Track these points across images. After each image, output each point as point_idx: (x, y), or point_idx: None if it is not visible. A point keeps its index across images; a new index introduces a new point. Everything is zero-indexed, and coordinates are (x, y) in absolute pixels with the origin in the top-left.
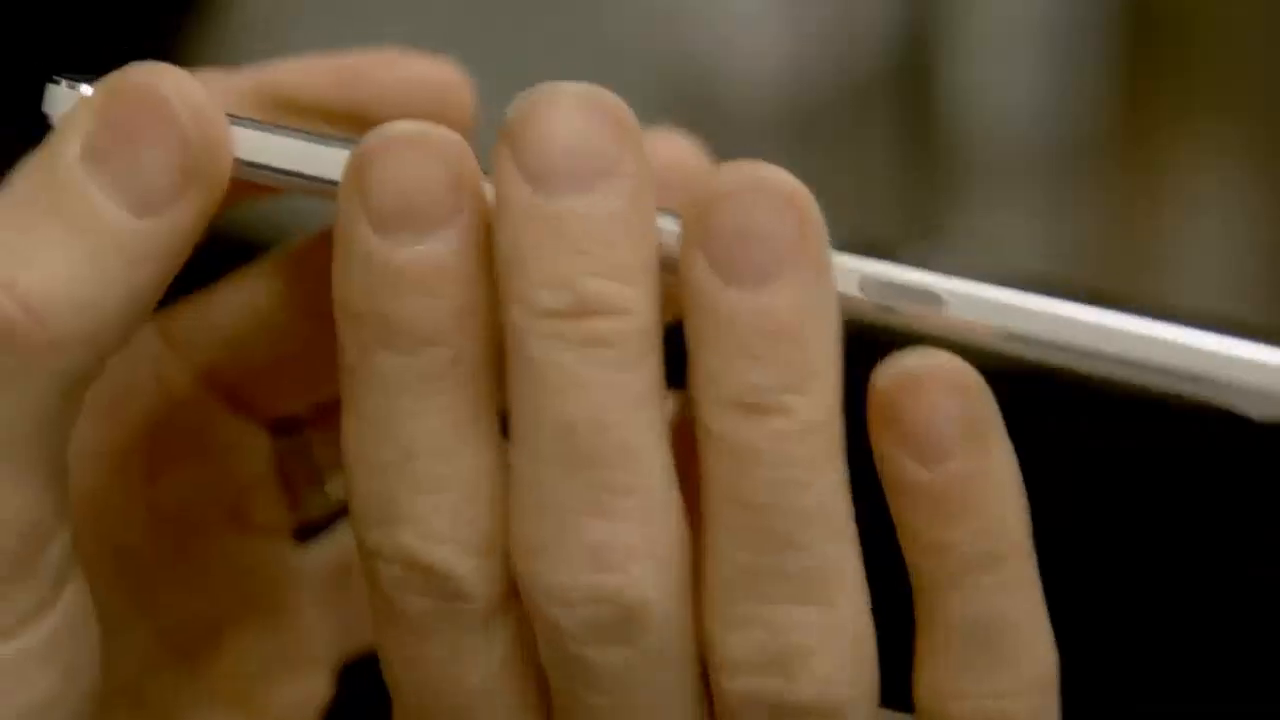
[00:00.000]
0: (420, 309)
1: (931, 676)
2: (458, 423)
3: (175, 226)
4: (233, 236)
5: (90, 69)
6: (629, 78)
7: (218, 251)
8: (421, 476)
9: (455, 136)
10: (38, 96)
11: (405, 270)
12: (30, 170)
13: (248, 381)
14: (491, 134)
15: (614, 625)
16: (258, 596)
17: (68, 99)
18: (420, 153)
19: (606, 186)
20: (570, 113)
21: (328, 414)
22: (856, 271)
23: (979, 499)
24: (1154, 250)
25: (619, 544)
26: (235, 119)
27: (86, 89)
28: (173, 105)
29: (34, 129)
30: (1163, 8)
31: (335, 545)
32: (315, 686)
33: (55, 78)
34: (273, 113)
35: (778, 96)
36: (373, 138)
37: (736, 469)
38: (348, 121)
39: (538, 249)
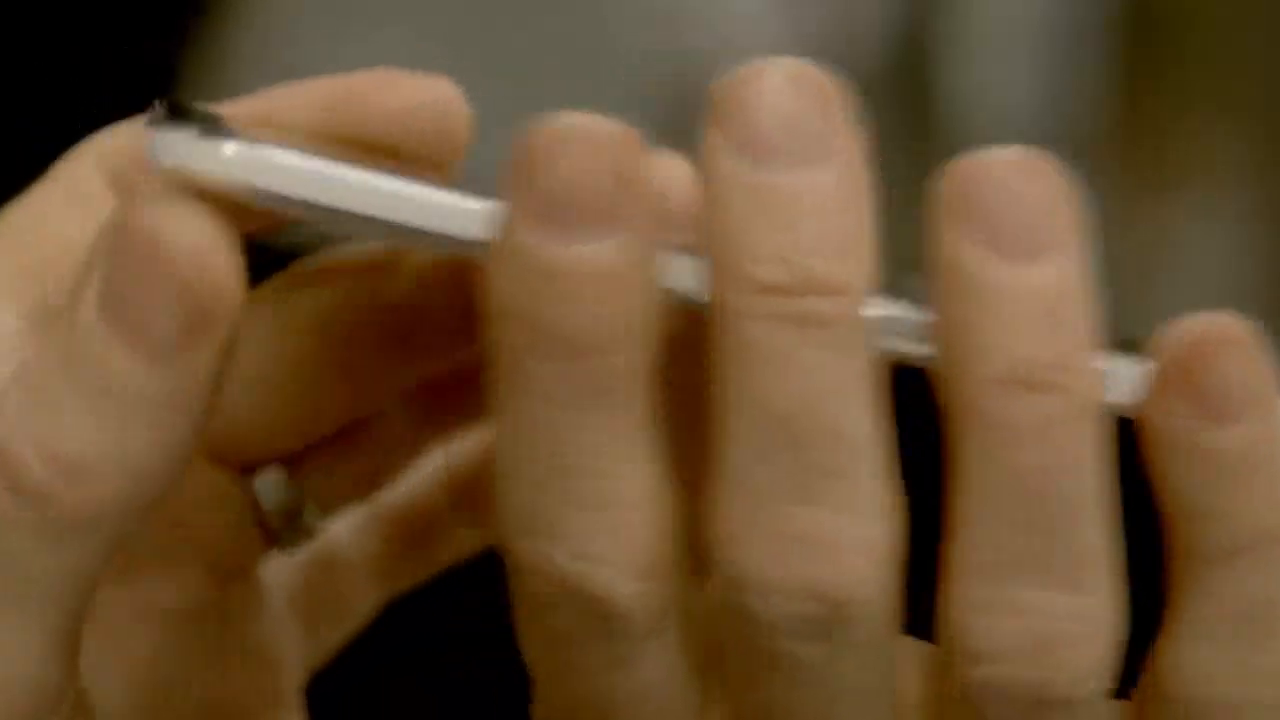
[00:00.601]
0: (586, 314)
1: (1185, 654)
2: (620, 438)
3: (191, 372)
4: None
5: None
6: (628, 78)
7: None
8: (579, 493)
9: (624, 130)
10: (37, 103)
11: (571, 272)
12: (55, 329)
13: (229, 434)
14: (493, 135)
15: (820, 620)
16: (233, 641)
17: (175, 144)
18: (591, 147)
19: (824, 161)
20: (784, 87)
21: (307, 448)
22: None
23: (1268, 466)
24: (1154, 249)
25: (831, 535)
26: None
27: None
28: (173, 251)
29: (34, 131)
30: (1163, 7)
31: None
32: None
33: (156, 122)
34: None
35: None
36: (540, 131)
37: (1004, 448)
38: (344, 146)
39: (753, 224)
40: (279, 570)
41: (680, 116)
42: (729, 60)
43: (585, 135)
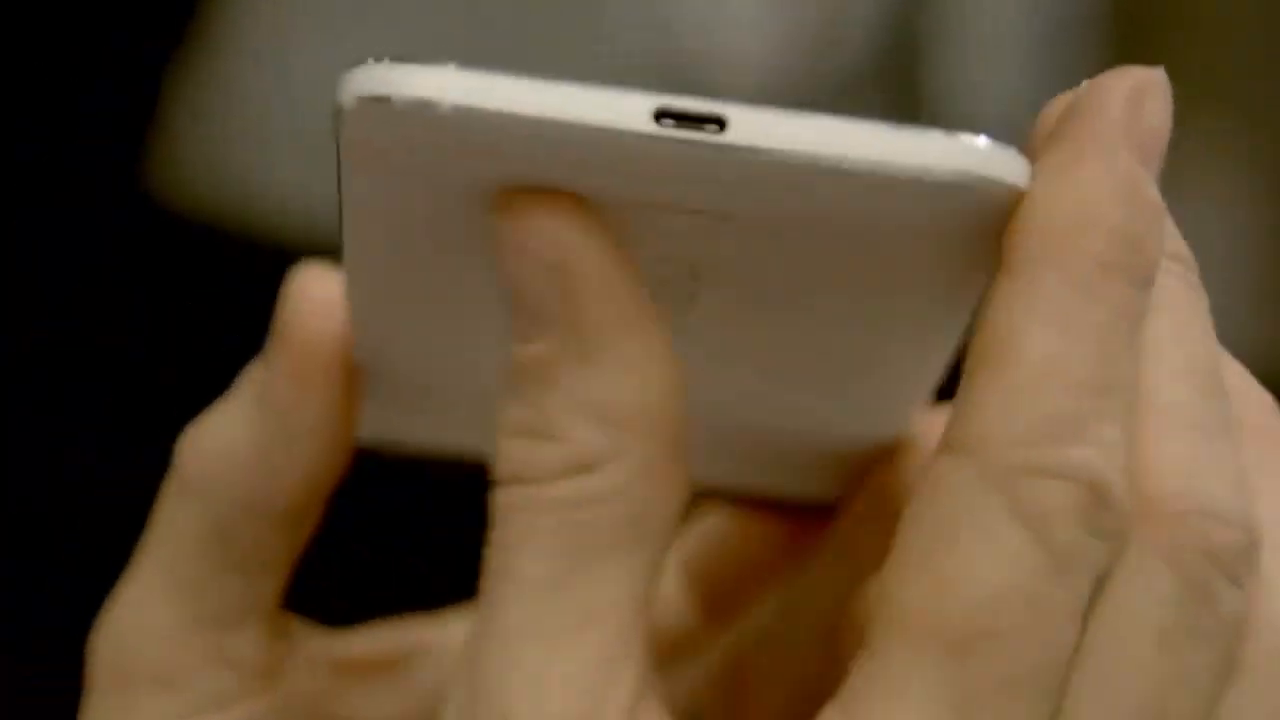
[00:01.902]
0: (1156, 248)
1: None
2: (1132, 363)
3: (290, 415)
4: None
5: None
6: (621, 74)
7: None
8: (1114, 409)
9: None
10: (35, 103)
11: (1154, 205)
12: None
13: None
14: None
15: (1246, 557)
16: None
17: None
18: (1166, 97)
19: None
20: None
21: None
22: (651, 101)
23: None
24: None
25: (1247, 477)
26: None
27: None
28: (289, 323)
29: (34, 131)
30: (1151, 5)
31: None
32: None
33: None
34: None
35: (767, 94)
36: (1152, 73)
37: None
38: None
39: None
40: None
41: None
42: (718, 58)
43: (1162, 85)
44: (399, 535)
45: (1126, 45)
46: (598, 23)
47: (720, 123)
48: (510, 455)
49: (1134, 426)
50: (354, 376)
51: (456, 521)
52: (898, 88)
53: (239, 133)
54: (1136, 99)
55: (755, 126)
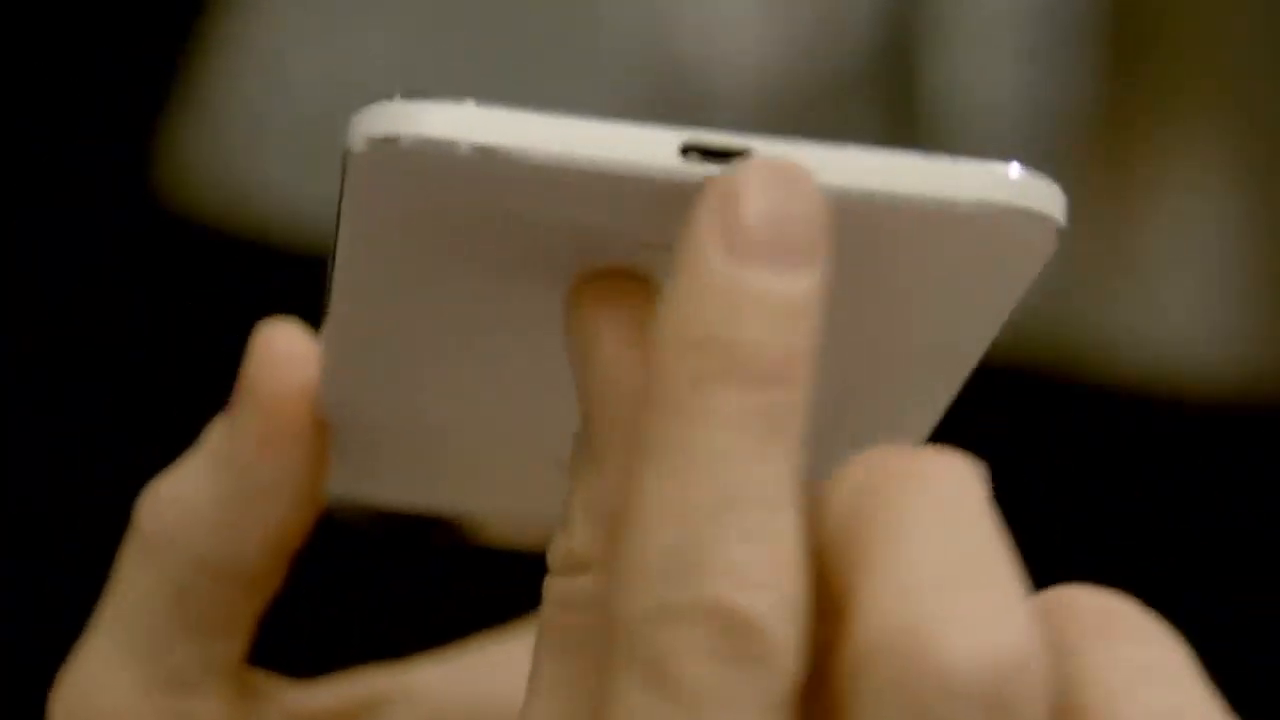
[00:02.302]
0: (778, 344)
1: None
2: (790, 472)
3: (254, 476)
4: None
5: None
6: (616, 77)
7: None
8: (746, 527)
9: (811, 176)
10: (37, 103)
11: (768, 301)
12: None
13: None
14: None
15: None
16: None
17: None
18: (793, 188)
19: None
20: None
21: None
22: (677, 137)
23: None
24: (1135, 246)
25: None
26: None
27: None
28: (255, 381)
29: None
30: (1146, 4)
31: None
32: None
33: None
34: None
35: (762, 92)
36: (747, 164)
37: None
38: None
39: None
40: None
41: (667, 116)
42: (713, 57)
43: (787, 174)
44: (361, 583)
45: (1118, 44)
46: (593, 23)
47: (747, 156)
48: (552, 539)
49: (787, 527)
50: (321, 435)
51: (420, 571)
52: (893, 87)
53: (241, 134)
54: (730, 197)
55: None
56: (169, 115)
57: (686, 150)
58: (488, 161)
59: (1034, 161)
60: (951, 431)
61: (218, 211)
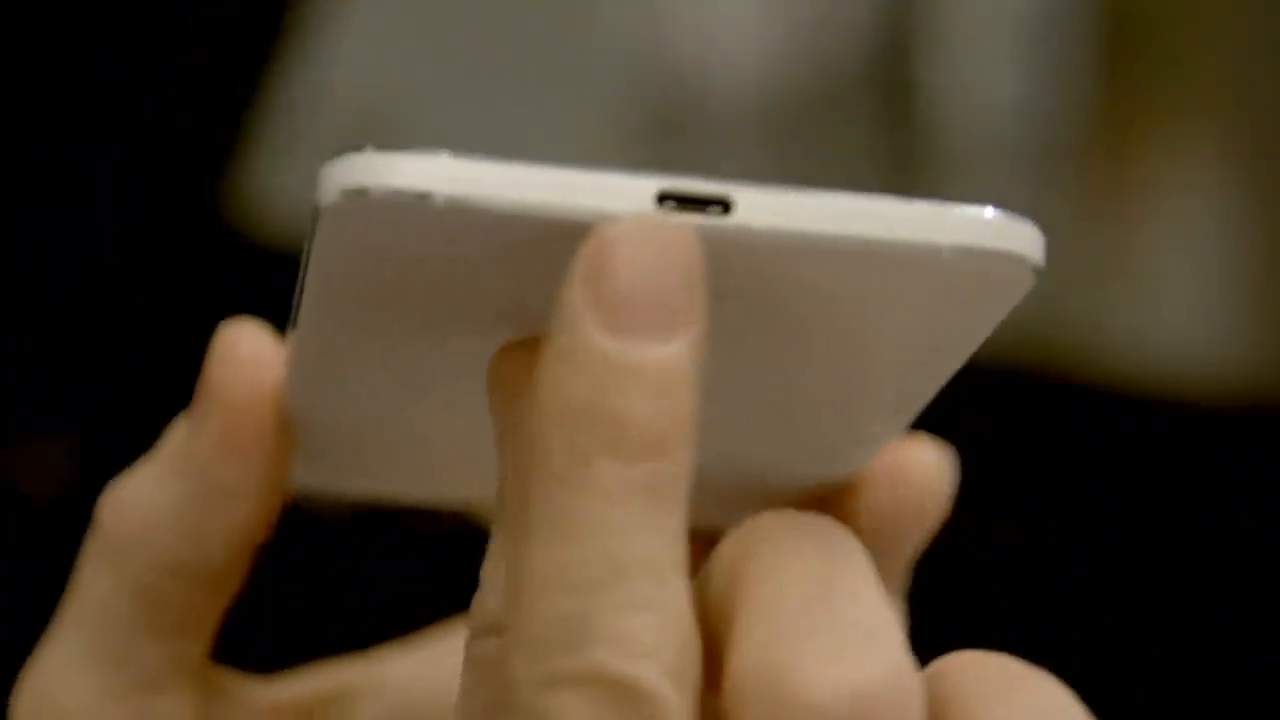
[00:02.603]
0: (653, 414)
1: None
2: (675, 541)
3: (216, 477)
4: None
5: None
6: (612, 81)
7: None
8: (631, 596)
9: (688, 232)
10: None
11: (640, 371)
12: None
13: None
14: (481, 139)
15: None
16: None
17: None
18: (663, 250)
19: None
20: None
21: None
22: (653, 185)
23: None
24: (1130, 248)
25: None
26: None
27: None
28: (218, 382)
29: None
30: (1142, 8)
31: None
32: None
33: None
34: None
35: (758, 98)
36: (609, 231)
37: None
38: None
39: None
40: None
41: (664, 118)
42: (709, 62)
43: (658, 235)
44: (323, 576)
45: (1115, 44)
46: (590, 28)
47: (725, 204)
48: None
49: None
50: (284, 435)
51: (381, 561)
52: (890, 90)
53: (309, 156)
54: (601, 265)
55: (763, 207)
56: (243, 141)
57: (663, 198)
58: (460, 213)
59: (1031, 163)
60: (947, 431)
61: (288, 235)
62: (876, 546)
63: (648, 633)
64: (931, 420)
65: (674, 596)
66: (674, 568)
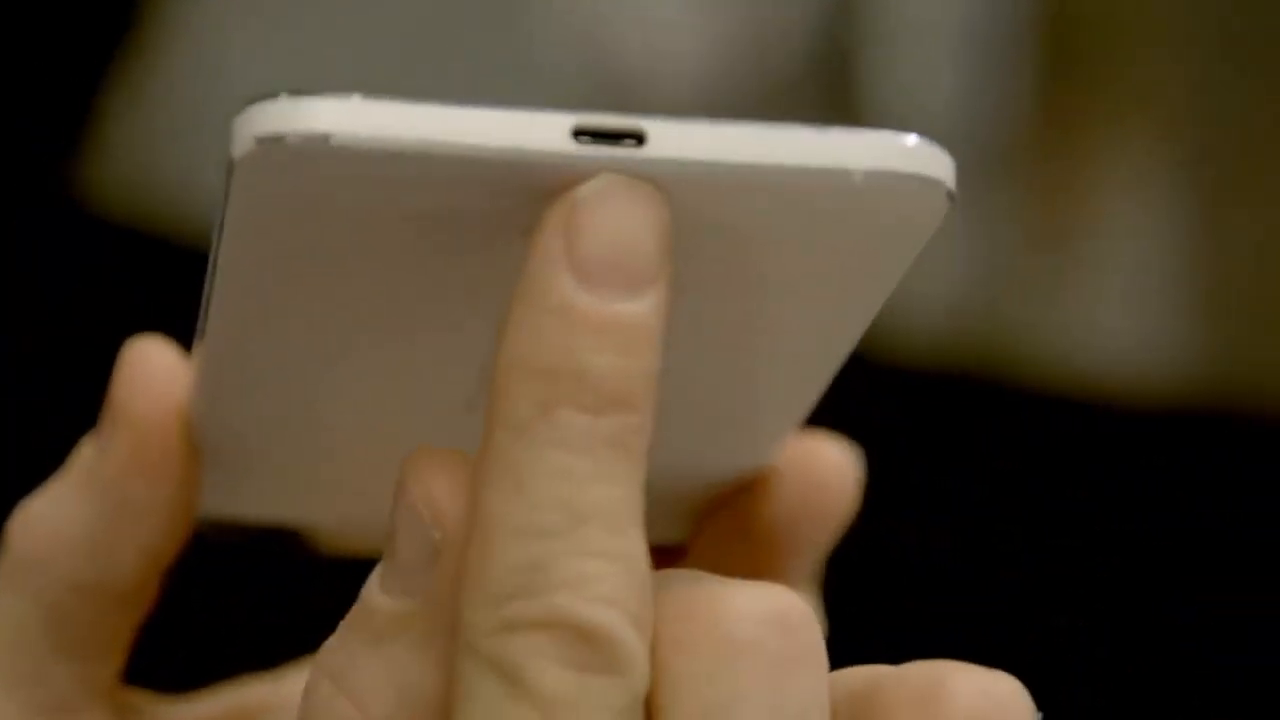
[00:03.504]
0: (621, 368)
1: None
2: (634, 495)
3: (125, 496)
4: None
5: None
6: (550, 84)
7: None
8: (590, 543)
9: (658, 192)
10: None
11: (611, 326)
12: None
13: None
14: None
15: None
16: None
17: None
18: (637, 206)
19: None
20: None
21: None
22: (568, 120)
23: None
24: (1071, 252)
25: None
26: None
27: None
28: (124, 400)
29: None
30: (1083, 11)
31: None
32: None
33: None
34: None
35: (699, 98)
36: (585, 188)
37: None
38: None
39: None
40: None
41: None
42: (648, 65)
43: (632, 193)
44: (233, 593)
45: (1057, 47)
46: (529, 30)
47: (639, 137)
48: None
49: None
50: (192, 452)
51: (291, 578)
52: (832, 92)
53: (173, 136)
54: (574, 221)
55: (675, 138)
56: (101, 115)
57: (579, 133)
58: (380, 154)
59: (972, 166)
60: (886, 437)
61: (147, 213)
62: (788, 544)
63: (608, 579)
64: (863, 421)
65: (633, 545)
66: (633, 519)
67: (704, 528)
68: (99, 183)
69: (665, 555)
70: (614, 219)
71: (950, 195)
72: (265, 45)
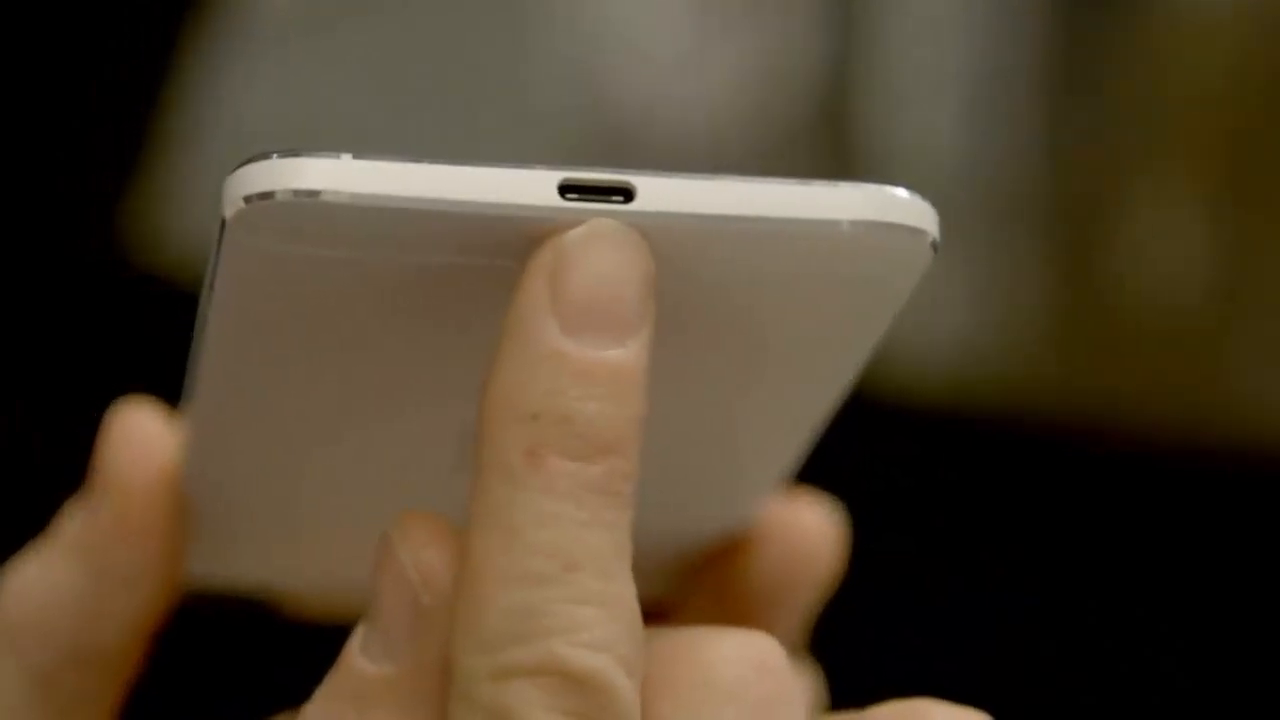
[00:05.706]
0: (607, 415)
1: None
2: (623, 540)
3: (111, 562)
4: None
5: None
6: (552, 130)
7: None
8: (581, 589)
9: (642, 239)
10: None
11: (597, 372)
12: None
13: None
14: None
15: None
16: None
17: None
18: (622, 255)
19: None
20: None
21: None
22: (555, 176)
23: None
24: (1077, 299)
25: None
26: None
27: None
28: (111, 466)
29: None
30: (1087, 54)
31: None
32: None
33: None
34: None
35: (702, 144)
36: (571, 235)
37: None
38: None
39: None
40: None
41: (603, 163)
42: (650, 110)
43: (617, 241)
44: (219, 656)
45: (1061, 93)
46: (530, 77)
47: (627, 193)
48: None
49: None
50: (179, 518)
51: (278, 642)
52: (835, 138)
53: (203, 189)
54: (558, 267)
55: (663, 194)
56: (137, 174)
57: (566, 190)
58: (369, 212)
59: (978, 212)
60: (892, 479)
61: (185, 269)
62: (772, 606)
63: (600, 625)
64: (872, 464)
65: (623, 589)
66: (622, 563)
67: (685, 591)
68: (138, 235)
69: (646, 619)
70: (598, 264)
71: (934, 245)
72: (284, 93)
